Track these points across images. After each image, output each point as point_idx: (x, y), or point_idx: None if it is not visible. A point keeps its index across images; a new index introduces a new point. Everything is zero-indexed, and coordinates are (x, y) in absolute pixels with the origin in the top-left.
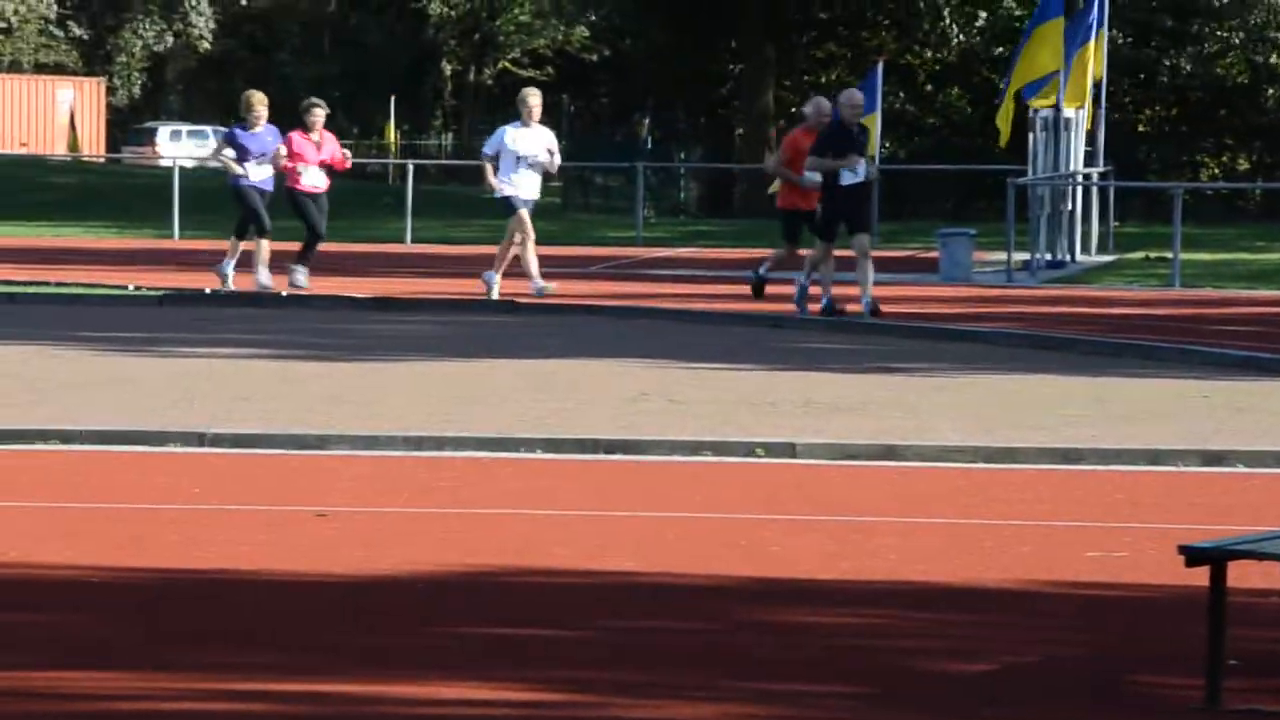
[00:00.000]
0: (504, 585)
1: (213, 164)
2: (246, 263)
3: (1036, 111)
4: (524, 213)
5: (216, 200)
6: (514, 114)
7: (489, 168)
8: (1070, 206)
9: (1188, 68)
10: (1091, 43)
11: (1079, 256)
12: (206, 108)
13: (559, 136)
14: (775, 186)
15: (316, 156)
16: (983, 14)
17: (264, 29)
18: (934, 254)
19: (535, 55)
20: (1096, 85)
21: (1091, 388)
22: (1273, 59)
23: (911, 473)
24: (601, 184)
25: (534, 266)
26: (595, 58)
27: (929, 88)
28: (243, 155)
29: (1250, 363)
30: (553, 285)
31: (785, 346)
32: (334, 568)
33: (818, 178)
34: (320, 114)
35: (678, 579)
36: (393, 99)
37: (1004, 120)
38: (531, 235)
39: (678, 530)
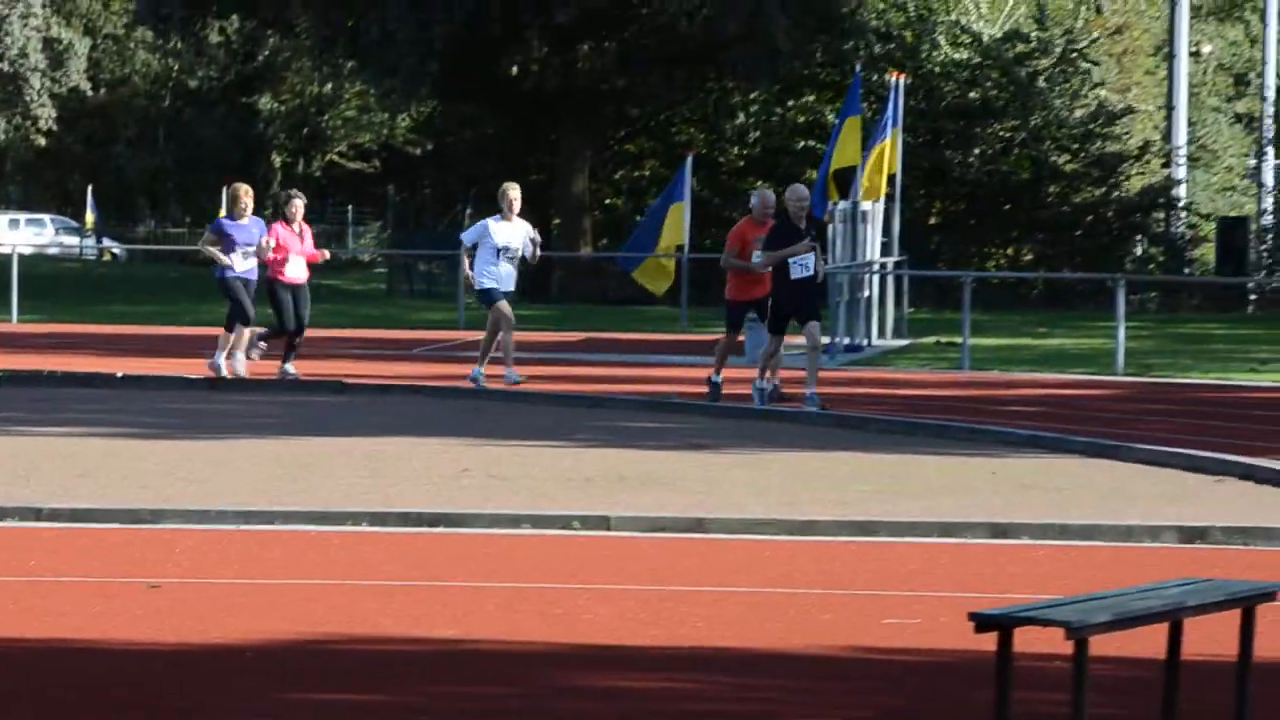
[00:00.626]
0: (332, 653)
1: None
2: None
3: (835, 204)
4: (503, 304)
5: (53, 285)
6: (342, 203)
7: (466, 260)
8: (867, 293)
9: (975, 165)
10: (887, 140)
11: (875, 340)
12: (44, 197)
13: (383, 226)
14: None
15: (300, 248)
16: (779, 110)
17: (102, 123)
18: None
19: (361, 148)
20: (891, 180)
21: (887, 464)
22: (1053, 157)
23: (719, 544)
24: (425, 271)
25: (509, 355)
26: (419, 151)
27: (734, 180)
28: (229, 246)
29: (1035, 441)
30: (523, 376)
31: (600, 425)
32: (166, 637)
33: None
34: (300, 205)
35: (497, 646)
36: (224, 189)
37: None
38: (511, 323)
39: (498, 600)
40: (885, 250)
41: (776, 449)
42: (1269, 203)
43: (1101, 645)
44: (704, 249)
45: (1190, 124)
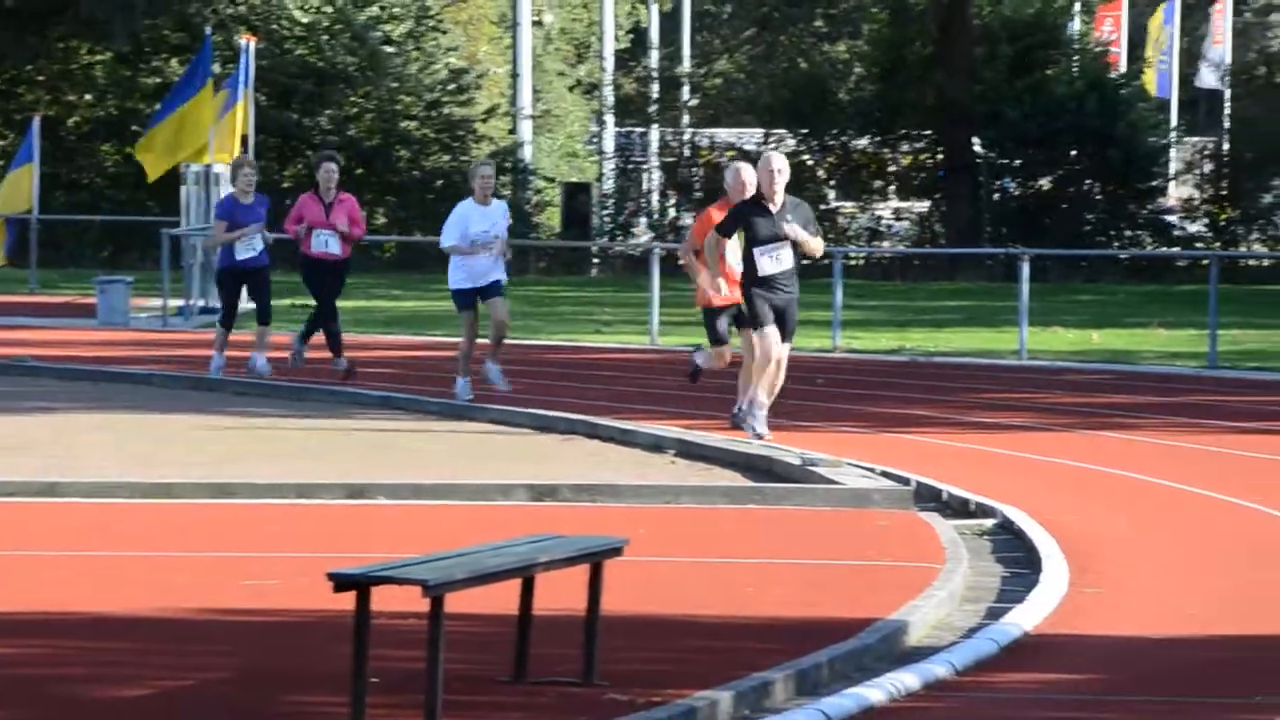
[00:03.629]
0: None
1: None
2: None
3: (188, 166)
4: (473, 311)
5: None
6: None
7: (463, 247)
8: None
9: (327, 128)
10: (239, 103)
11: None
12: None
13: None
14: None
15: (326, 219)
16: (128, 72)
17: None
18: (92, 300)
19: None
20: (244, 143)
21: (244, 426)
22: (404, 123)
23: (74, 508)
24: None
25: (467, 364)
26: None
27: (84, 143)
28: (233, 228)
29: (388, 402)
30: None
31: None
32: None
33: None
34: (332, 170)
35: None
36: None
37: (154, 163)
38: (475, 334)
39: None
40: None
41: (132, 411)
42: (609, 168)
43: (457, 602)
44: (55, 209)
45: (535, 91)
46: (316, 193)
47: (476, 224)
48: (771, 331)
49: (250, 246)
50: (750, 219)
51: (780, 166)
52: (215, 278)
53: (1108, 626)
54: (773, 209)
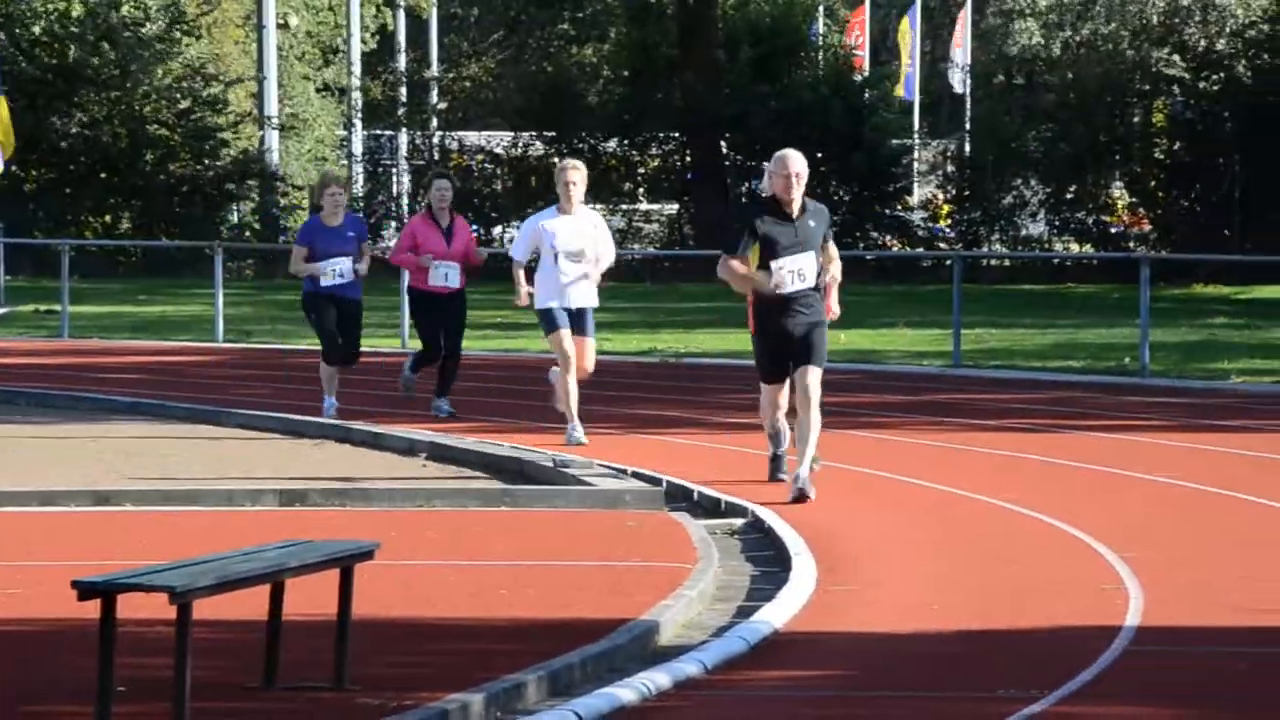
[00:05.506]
0: None
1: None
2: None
3: None
4: (564, 332)
5: None
6: None
7: (520, 275)
8: None
9: (74, 131)
10: None
11: None
12: None
13: None
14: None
15: (446, 248)
16: None
17: None
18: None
19: None
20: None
21: None
22: (151, 126)
23: None
24: None
25: (572, 402)
26: None
27: None
28: (315, 254)
29: (137, 408)
30: (585, 438)
31: None
32: None
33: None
34: (447, 191)
35: None
36: None
37: None
38: (574, 362)
39: None
40: None
41: None
42: (358, 172)
43: (206, 609)
44: None
45: (282, 93)
46: (430, 216)
47: (556, 237)
48: (773, 386)
49: (337, 273)
50: (765, 231)
51: (799, 169)
52: (301, 304)
53: (856, 623)
54: (791, 215)
